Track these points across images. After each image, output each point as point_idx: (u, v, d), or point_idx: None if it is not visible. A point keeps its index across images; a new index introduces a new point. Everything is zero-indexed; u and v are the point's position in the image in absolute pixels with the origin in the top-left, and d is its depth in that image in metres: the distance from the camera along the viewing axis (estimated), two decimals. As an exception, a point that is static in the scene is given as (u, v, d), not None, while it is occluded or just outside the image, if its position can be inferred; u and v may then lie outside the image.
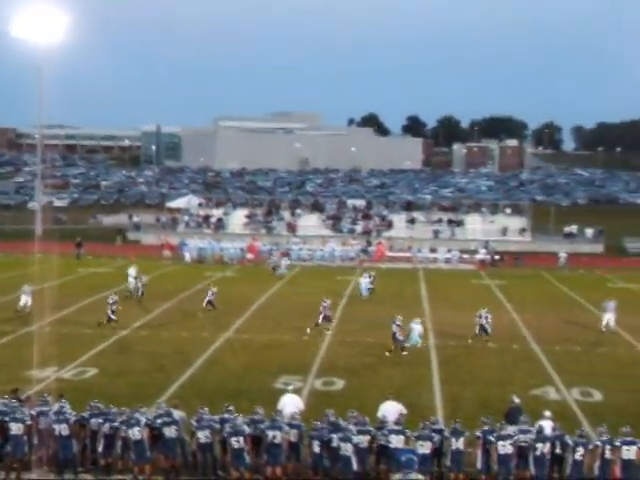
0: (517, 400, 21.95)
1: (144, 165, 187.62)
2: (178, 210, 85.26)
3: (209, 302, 40.42)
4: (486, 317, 34.57)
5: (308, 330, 35.58)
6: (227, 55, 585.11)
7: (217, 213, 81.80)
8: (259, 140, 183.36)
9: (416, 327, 34.05)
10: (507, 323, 39.36)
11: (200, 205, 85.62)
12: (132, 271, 46.67)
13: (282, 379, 27.68)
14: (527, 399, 24.78)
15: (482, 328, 34.37)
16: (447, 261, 66.26)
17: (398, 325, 32.66)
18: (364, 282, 45.77)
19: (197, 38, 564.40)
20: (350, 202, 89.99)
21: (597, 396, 26.80)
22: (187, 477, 19.49)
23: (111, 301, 36.68)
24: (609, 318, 37.31)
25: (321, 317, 36.03)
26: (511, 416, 20.97)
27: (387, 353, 32.14)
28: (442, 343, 34.36)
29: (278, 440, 19.20)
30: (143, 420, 19.63)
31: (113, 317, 36.19)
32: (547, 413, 20.59)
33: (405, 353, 32.21)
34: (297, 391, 24.22)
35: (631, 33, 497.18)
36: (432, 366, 30.59)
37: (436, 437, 19.09)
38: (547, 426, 19.65)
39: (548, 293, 50.35)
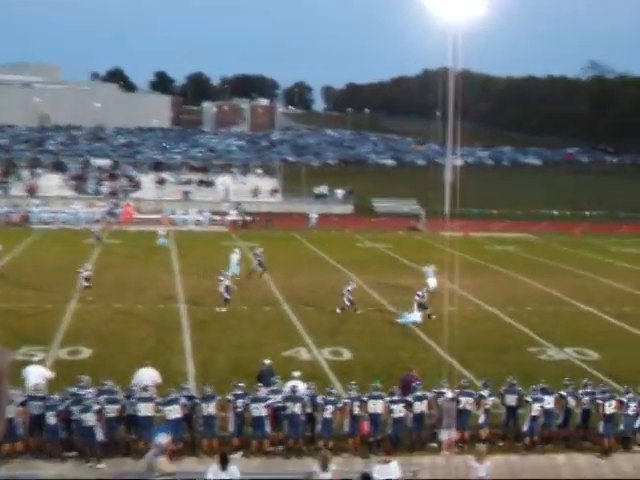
0: (268, 362, 22.51)
1: None
2: None
3: (86, 279, 36.65)
4: (422, 295, 34.29)
5: (224, 309, 34.16)
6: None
7: (-55, 172, 76.76)
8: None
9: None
10: (259, 285, 40.15)
11: None
12: None
13: (23, 350, 26.63)
14: (279, 360, 25.53)
15: (420, 305, 33.92)
16: (198, 223, 66.36)
17: (348, 290, 34.39)
18: (235, 258, 42.01)
19: None
20: (95, 161, 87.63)
21: (347, 355, 28.05)
22: None
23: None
24: (433, 282, 38.56)
25: (224, 294, 34.41)
26: (263, 378, 21.49)
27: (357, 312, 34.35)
28: (193, 307, 34.50)
29: (12, 414, 18.55)
30: None
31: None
32: (296, 373, 21.32)
33: (359, 312, 34.27)
34: (41, 362, 23.44)
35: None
36: (183, 331, 30.65)
37: (183, 400, 19.18)
38: (300, 386, 20.37)
39: (299, 254, 51.85)
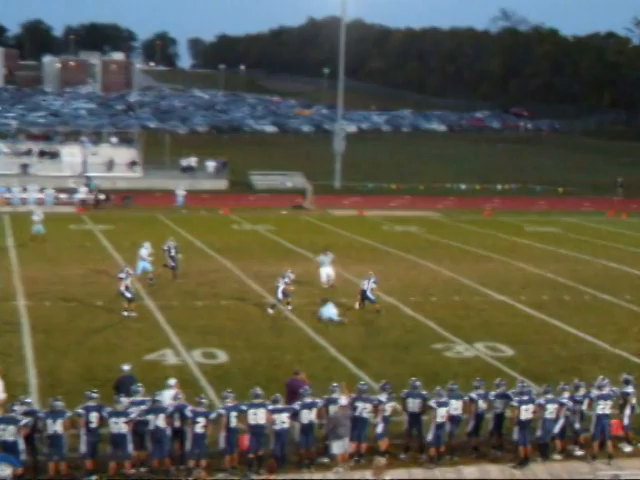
0: (127, 368, 22.26)
1: None
2: None
3: None
4: (373, 282, 34.70)
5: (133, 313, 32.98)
6: None
7: None
8: None
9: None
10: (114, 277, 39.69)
11: None
12: None
13: None
14: (142, 366, 25.42)
15: (364, 295, 34.50)
16: (40, 203, 64.89)
17: (286, 282, 33.93)
18: (144, 253, 39.39)
19: None
20: None
21: (222, 357, 28.03)
22: None
23: None
24: (328, 272, 38.50)
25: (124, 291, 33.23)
26: (121, 387, 21.23)
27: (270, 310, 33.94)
28: (36, 304, 33.83)
29: None
30: None
31: None
32: (172, 381, 21.09)
33: (290, 307, 34.09)
34: None
35: None
36: (23, 332, 30.05)
37: (24, 420, 18.75)
38: (167, 396, 20.20)
39: (164, 238, 51.19)
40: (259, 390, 20.13)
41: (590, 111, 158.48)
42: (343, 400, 20.22)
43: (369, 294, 34.50)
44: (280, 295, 33.96)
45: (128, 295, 33.00)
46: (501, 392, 21.17)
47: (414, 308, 35.46)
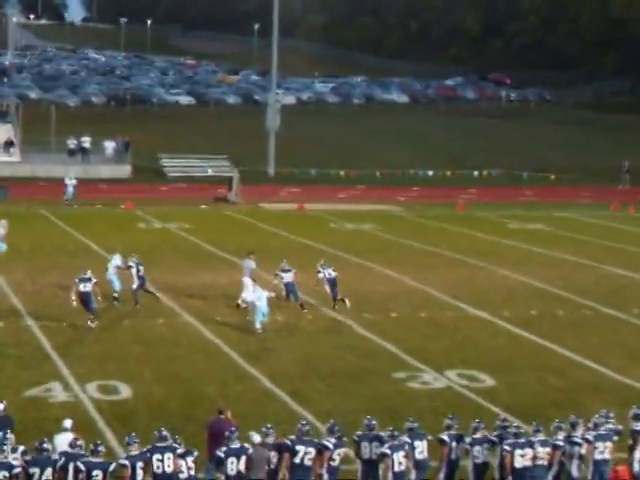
0: (2, 406, 21.94)
1: None
2: None
3: None
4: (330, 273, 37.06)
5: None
6: None
7: None
8: None
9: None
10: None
11: None
12: None
13: None
14: (21, 403, 25.22)
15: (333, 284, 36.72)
16: None
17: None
18: (110, 269, 39.42)
19: None
20: None
21: (124, 391, 27.79)
22: None
23: None
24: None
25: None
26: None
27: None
28: None
29: None
30: None
31: None
32: (67, 422, 20.73)
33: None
34: None
35: None
36: None
37: None
38: (61, 442, 19.92)
39: (50, 241, 50.92)
40: (165, 431, 19.78)
41: (588, 78, 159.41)
42: (257, 438, 19.88)
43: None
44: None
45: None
46: (481, 437, 20.94)
47: (369, 327, 35.49)
